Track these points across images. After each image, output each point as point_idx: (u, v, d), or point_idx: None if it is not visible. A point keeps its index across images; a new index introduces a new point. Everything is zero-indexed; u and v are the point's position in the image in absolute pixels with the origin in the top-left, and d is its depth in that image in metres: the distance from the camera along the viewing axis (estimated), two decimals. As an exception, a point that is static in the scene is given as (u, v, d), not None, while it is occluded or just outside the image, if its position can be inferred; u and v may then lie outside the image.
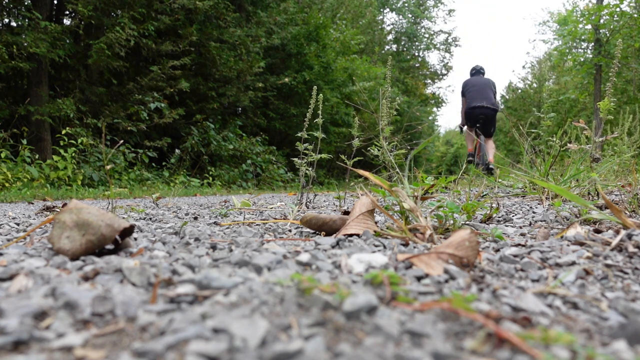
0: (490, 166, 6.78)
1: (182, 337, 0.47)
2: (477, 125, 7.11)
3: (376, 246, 1.08)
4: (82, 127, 8.81)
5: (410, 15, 30.42)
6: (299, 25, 14.91)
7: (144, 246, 1.06)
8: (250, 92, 12.49)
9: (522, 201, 2.66)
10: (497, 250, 1.06)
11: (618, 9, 14.13)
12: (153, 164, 10.13)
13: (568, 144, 2.48)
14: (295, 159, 2.51)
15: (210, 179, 10.46)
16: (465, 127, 7.48)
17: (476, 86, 7.21)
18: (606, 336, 0.54)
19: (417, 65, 30.55)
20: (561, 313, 0.63)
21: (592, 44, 16.33)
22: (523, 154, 3.42)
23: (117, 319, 0.55)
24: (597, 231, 1.24)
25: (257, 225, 1.62)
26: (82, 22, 8.93)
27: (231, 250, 1.01)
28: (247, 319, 0.52)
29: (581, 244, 1.06)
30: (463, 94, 7.40)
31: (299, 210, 2.29)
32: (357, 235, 1.23)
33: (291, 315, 0.55)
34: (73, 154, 7.70)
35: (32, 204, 4.33)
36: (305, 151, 2.45)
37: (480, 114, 7.04)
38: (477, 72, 7.61)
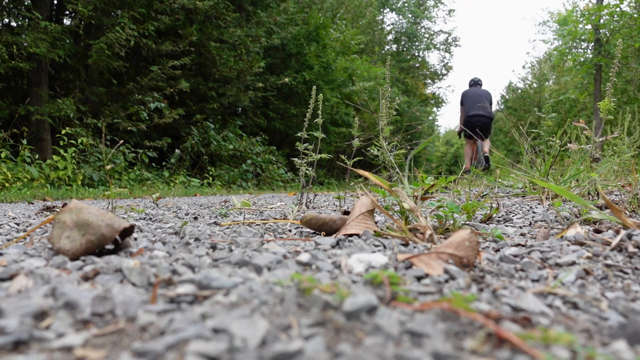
0: (486, 155, 7.68)
1: (182, 337, 0.47)
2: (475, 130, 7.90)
3: (376, 246, 1.08)
4: (82, 127, 8.81)
5: (410, 15, 30.40)
6: (299, 25, 14.91)
7: (144, 246, 1.06)
8: (250, 92, 12.49)
9: (522, 201, 2.66)
10: (497, 250, 1.06)
11: (618, 9, 14.13)
12: (153, 164, 10.13)
13: (568, 144, 2.48)
14: (295, 159, 2.51)
15: (210, 179, 10.45)
16: (463, 138, 8.49)
17: (474, 96, 8.05)
18: (606, 336, 0.54)
19: (417, 65, 30.53)
20: (561, 313, 0.63)
21: (592, 44, 16.33)
22: (523, 154, 3.42)
23: (117, 319, 0.55)
24: (597, 231, 1.24)
25: (257, 225, 1.62)
26: (82, 22, 8.93)
27: (231, 250, 1.01)
28: (247, 319, 0.52)
29: (581, 244, 1.06)
30: (462, 103, 8.23)
31: (299, 210, 2.29)
32: (357, 235, 1.23)
33: (291, 315, 0.55)
34: (73, 154, 7.70)
35: (32, 204, 4.33)
36: (305, 151, 2.45)
37: (477, 122, 7.88)
38: (475, 83, 8.51)
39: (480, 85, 8.50)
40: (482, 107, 7.85)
